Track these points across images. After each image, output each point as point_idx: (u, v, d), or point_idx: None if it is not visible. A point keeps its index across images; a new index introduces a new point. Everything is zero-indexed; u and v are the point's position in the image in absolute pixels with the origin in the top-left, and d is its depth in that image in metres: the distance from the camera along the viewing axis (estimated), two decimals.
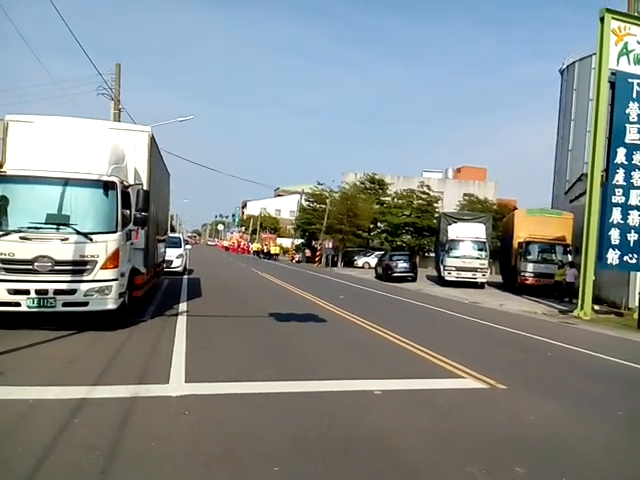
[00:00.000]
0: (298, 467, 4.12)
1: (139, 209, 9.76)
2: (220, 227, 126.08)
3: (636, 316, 15.14)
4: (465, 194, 51.59)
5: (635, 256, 16.57)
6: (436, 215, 42.89)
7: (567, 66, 53.02)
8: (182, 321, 10.63)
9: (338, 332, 10.80)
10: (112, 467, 3.92)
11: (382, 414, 5.60)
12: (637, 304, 15.65)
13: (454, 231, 27.61)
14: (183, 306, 12.86)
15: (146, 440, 4.48)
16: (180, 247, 24.19)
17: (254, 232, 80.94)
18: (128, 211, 9.68)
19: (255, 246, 65.63)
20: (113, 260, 8.96)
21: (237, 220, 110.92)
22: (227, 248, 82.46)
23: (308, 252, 52.18)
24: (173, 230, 45.42)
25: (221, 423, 5.04)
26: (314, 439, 4.74)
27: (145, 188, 10.71)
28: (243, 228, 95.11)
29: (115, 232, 9.05)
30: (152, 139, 11.69)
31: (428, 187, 49.15)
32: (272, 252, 55.65)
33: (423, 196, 48.52)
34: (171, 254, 21.50)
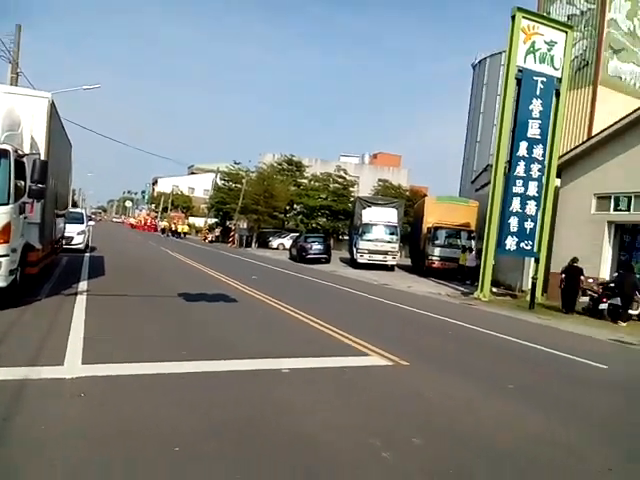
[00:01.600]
0: (199, 447, 4.01)
1: (35, 180, 9.01)
2: (128, 204, 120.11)
3: (528, 298, 16.36)
4: (380, 179, 52.86)
5: (530, 243, 17.87)
6: (351, 199, 43.66)
7: (479, 61, 55.75)
8: (81, 300, 10.00)
9: (249, 312, 10.70)
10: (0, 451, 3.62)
11: (289, 392, 5.62)
12: (529, 287, 16.90)
13: (368, 215, 28.25)
14: (83, 285, 12.12)
15: (36, 423, 4.17)
16: (82, 223, 22.84)
17: (165, 210, 78.12)
18: (22, 182, 8.97)
19: (163, 224, 64.77)
20: (3, 234, 8.25)
21: (147, 197, 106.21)
22: (134, 226, 79.58)
23: (217, 232, 51.37)
24: (75, 205, 42.80)
25: (120, 405, 4.81)
26: (218, 419, 4.65)
27: (43, 158, 9.90)
28: (153, 206, 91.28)
29: (7, 204, 8.36)
30: (52, 106, 10.83)
31: (345, 171, 49.80)
32: (180, 231, 56.23)
33: (339, 180, 49.13)
34: (72, 230, 20.36)
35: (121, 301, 10.72)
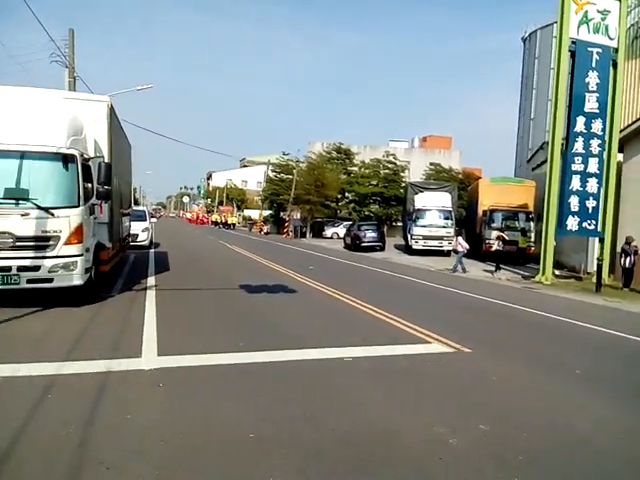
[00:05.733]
0: (271, 433, 4.22)
1: (101, 182, 9.50)
2: (185, 199, 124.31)
3: (594, 280, 15.78)
4: (431, 163, 51.90)
5: (593, 222, 17.17)
6: (403, 184, 43.19)
7: (529, 34, 53.51)
8: (151, 295, 10.54)
9: (308, 302, 10.93)
10: (89, 439, 3.95)
11: (352, 379, 5.76)
12: (595, 269, 16.29)
13: (420, 200, 27.94)
14: (151, 280, 12.74)
15: (122, 413, 4.50)
16: (145, 220, 23.76)
17: (220, 204, 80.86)
18: (90, 185, 9.45)
19: (214, 217, 72.14)
20: (77, 235, 8.77)
21: (202, 192, 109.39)
22: (190, 220, 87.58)
23: (262, 225, 53.84)
24: (137, 203, 44.56)
25: (195, 394, 5.09)
26: (285, 406, 4.84)
27: (106, 160, 10.42)
28: (209, 200, 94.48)
29: (77, 206, 8.84)
30: (111, 109, 11.34)
31: (394, 156, 49.25)
32: (229, 222, 63.87)
33: (390, 165, 48.63)
34: (136, 228, 21.14)
35: (187, 295, 11.20)
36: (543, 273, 17.14)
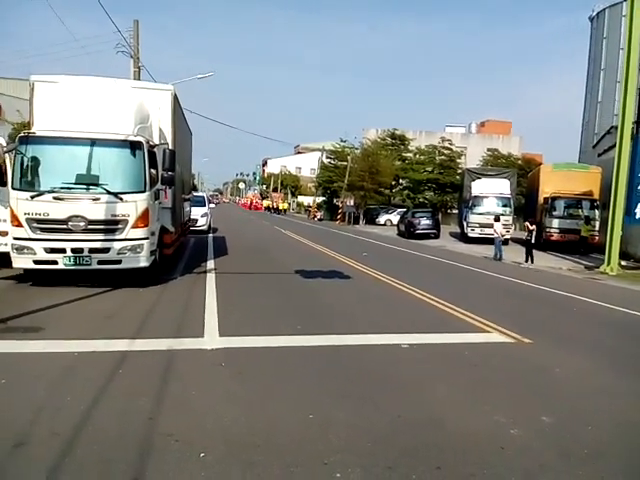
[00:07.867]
0: (331, 415, 4.30)
1: (166, 169, 9.86)
2: (241, 185, 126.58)
3: None
4: (489, 149, 50.38)
5: None
6: (459, 171, 42.19)
7: (597, 13, 50.77)
8: (211, 278, 10.87)
9: (363, 288, 10.95)
10: (158, 413, 4.16)
11: (409, 366, 5.77)
12: None
13: (478, 187, 27.22)
14: (211, 264, 13.12)
15: (187, 389, 4.72)
16: (204, 206, 24.37)
17: (275, 190, 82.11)
18: (155, 171, 9.79)
19: (266, 203, 76.97)
20: (143, 219, 9.15)
21: (258, 178, 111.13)
22: (244, 205, 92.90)
23: (315, 212, 53.96)
24: (195, 189, 45.70)
25: (255, 374, 5.26)
26: (344, 389, 4.92)
27: (170, 147, 10.77)
28: (264, 186, 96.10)
29: (144, 192, 9.20)
30: (175, 98, 11.66)
31: (450, 142, 48.14)
32: (280, 208, 68.15)
33: (445, 152, 47.64)
34: (196, 213, 21.67)
35: (245, 279, 11.48)
36: (608, 263, 16.40)
